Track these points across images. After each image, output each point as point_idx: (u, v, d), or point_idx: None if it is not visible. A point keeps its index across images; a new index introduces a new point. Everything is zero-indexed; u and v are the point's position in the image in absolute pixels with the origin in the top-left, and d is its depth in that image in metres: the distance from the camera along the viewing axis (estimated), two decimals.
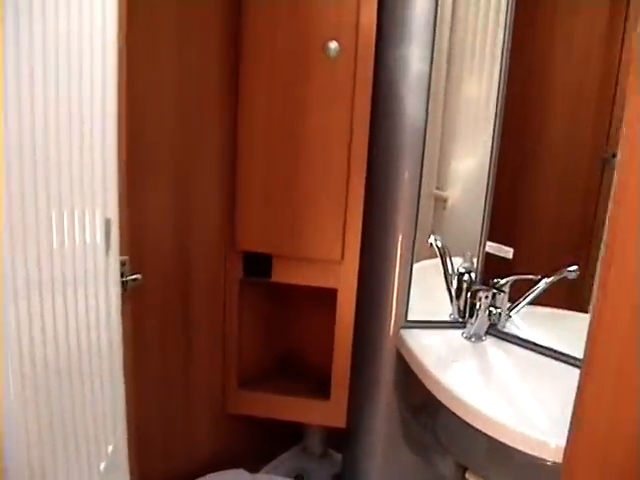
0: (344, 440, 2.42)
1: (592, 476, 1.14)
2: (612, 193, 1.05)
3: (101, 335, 1.45)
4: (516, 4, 1.98)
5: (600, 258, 1.06)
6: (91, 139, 1.33)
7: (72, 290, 1.28)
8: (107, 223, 1.42)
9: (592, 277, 1.97)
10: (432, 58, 1.93)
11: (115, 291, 1.52)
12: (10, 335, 1.05)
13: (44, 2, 1.07)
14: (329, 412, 2.28)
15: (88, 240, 1.34)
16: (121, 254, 1.56)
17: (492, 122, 2.05)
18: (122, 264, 1.58)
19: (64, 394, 1.28)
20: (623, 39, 1.92)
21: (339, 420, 2.28)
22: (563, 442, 1.25)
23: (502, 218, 2.11)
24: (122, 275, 1.59)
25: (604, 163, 1.99)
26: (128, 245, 1.62)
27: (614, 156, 1.95)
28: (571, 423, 1.20)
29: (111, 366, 1.52)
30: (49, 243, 1.17)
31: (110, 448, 1.54)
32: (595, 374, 1.12)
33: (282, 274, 2.16)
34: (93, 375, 1.42)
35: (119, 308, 1.55)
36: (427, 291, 2.17)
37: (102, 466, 1.47)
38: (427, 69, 1.94)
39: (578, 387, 1.16)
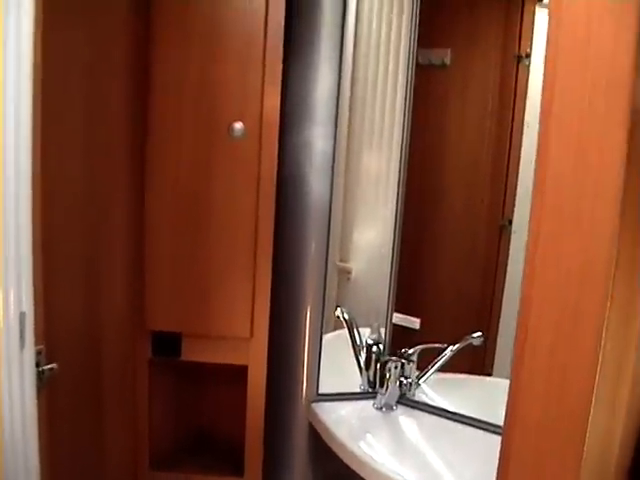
0: None
1: None
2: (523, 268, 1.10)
3: (15, 426, 1.43)
4: (413, 79, 2.06)
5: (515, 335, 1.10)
6: (5, 229, 1.32)
7: None
8: (21, 316, 1.40)
9: (495, 342, 2.04)
10: (335, 138, 1.99)
11: (30, 386, 1.49)
12: None
13: None
14: None
15: (2, 335, 1.32)
16: (36, 344, 1.52)
17: (394, 194, 2.11)
18: (38, 353, 1.54)
19: None
20: (513, 114, 2.02)
21: None
22: None
23: (407, 288, 2.16)
24: (38, 365, 1.55)
25: (501, 230, 2.07)
26: (43, 334, 1.58)
27: (510, 223, 2.04)
28: None
29: (25, 453, 1.49)
30: None
31: None
32: (515, 442, 1.15)
33: (192, 352, 2.14)
34: (7, 462, 1.39)
35: (34, 402, 1.51)
36: (337, 362, 2.19)
37: None
38: (330, 148, 1.99)
39: (500, 453, 1.19)
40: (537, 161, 1.04)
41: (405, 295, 2.15)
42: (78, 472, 2.06)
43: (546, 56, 1.03)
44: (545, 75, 1.03)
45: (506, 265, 2.04)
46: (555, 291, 1.02)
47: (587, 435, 1.01)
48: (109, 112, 1.99)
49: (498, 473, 1.19)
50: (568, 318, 1.01)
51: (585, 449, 1.02)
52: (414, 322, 2.09)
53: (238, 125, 1.95)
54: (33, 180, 1.44)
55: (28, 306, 1.44)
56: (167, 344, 2.13)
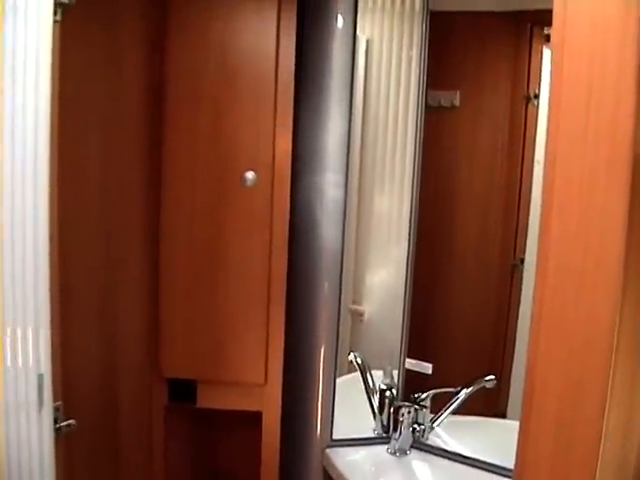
0: None
1: None
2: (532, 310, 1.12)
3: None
4: (423, 121, 2.08)
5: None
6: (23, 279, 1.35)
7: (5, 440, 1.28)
8: (40, 378, 1.43)
9: (508, 383, 2.04)
10: (346, 184, 2.01)
11: (48, 442, 1.52)
12: None
13: None
14: None
15: (20, 393, 1.35)
16: (54, 400, 1.55)
17: (405, 236, 2.12)
18: (56, 409, 1.57)
19: None
20: (523, 153, 2.03)
21: None
22: None
23: (419, 331, 2.16)
24: (56, 421, 1.58)
25: (513, 269, 2.08)
26: (61, 391, 1.60)
27: (522, 262, 2.05)
28: None
29: None
30: None
31: None
32: None
33: (207, 399, 2.15)
34: None
35: (53, 459, 1.54)
36: (350, 405, 2.19)
37: None
38: (342, 194, 2.01)
39: None
40: (540, 232, 1.06)
41: (417, 339, 2.15)
42: None
43: (549, 99, 1.05)
44: (549, 118, 1.06)
45: (518, 305, 2.04)
46: (559, 364, 1.03)
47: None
48: (122, 167, 2.03)
49: None
50: (572, 390, 1.02)
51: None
52: (426, 367, 2.09)
53: (250, 175, 1.97)
54: (50, 232, 1.47)
55: (46, 367, 1.46)
56: (183, 391, 2.15)
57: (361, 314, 2.27)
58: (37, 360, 1.42)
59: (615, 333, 0.94)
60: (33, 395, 1.43)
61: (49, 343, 1.47)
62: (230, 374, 2.10)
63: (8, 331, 1.34)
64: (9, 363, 1.36)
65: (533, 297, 1.08)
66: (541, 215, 1.06)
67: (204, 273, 2.07)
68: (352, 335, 2.26)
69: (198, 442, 2.43)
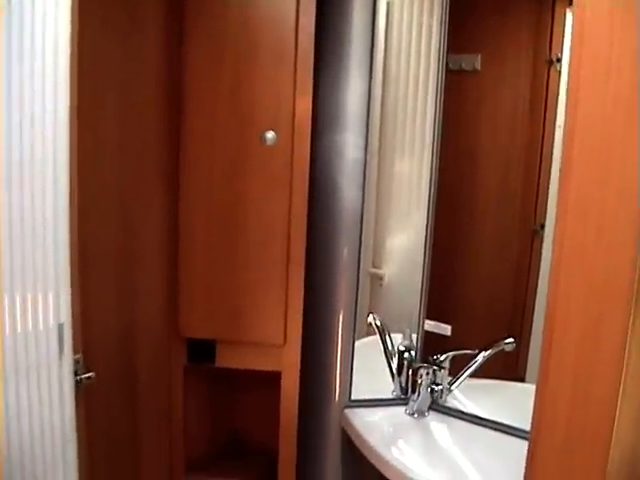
0: None
1: None
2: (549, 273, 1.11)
3: (55, 432, 1.46)
4: (444, 86, 2.06)
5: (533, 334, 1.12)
6: (44, 239, 1.35)
7: (26, 392, 1.28)
8: (60, 327, 1.43)
9: (527, 347, 2.03)
10: (366, 144, 2.00)
11: (69, 392, 1.53)
12: None
13: None
14: None
15: (42, 343, 1.35)
16: (75, 352, 1.56)
17: (425, 200, 2.11)
18: (76, 362, 1.58)
19: None
20: (545, 118, 2.02)
21: None
22: None
23: (438, 294, 2.16)
24: (76, 373, 1.59)
25: (533, 235, 2.07)
26: (81, 343, 1.62)
27: (542, 227, 2.04)
28: None
29: (65, 457, 1.53)
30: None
31: None
32: (542, 445, 1.16)
33: (226, 359, 2.17)
34: (46, 467, 1.43)
35: (73, 407, 1.55)
36: (368, 368, 2.20)
37: None
38: (362, 155, 2.01)
39: (527, 461, 1.20)
40: (561, 173, 1.06)
41: (437, 301, 2.15)
42: (115, 477, 2.09)
43: (569, 67, 1.04)
44: (569, 83, 1.05)
45: (538, 270, 2.03)
46: (579, 302, 1.03)
47: (612, 441, 1.02)
48: (140, 129, 2.02)
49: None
50: (592, 329, 1.02)
51: (610, 454, 1.03)
52: (445, 329, 2.09)
53: (270, 134, 1.97)
54: (70, 193, 1.48)
55: (66, 317, 1.47)
56: (202, 351, 2.16)
57: (381, 278, 2.27)
58: (57, 309, 1.43)
59: (637, 268, 0.93)
60: (54, 346, 1.44)
61: (69, 294, 1.48)
62: (249, 334, 2.11)
63: (29, 295, 1.34)
64: (30, 323, 1.37)
65: (553, 236, 1.08)
66: (562, 149, 1.06)
67: (224, 233, 2.07)
68: (371, 298, 2.26)
69: (216, 403, 2.45)
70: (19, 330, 1.31)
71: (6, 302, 1.26)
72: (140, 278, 2.09)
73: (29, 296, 1.34)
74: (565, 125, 1.07)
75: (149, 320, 2.14)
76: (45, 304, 1.39)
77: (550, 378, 1.12)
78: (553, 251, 1.09)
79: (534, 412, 1.17)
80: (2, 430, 1.25)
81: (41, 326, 1.38)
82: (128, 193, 2.01)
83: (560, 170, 1.07)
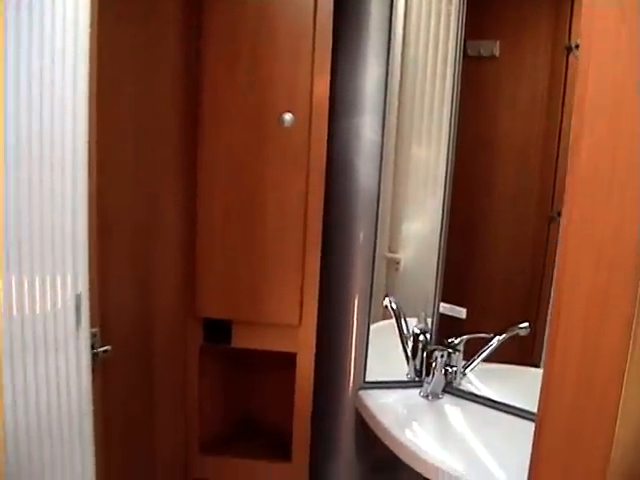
0: None
1: None
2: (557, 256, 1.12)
3: (72, 406, 1.48)
4: (462, 72, 2.07)
5: (548, 318, 1.12)
6: (62, 212, 1.37)
7: (44, 364, 1.30)
8: (77, 298, 1.45)
9: (542, 333, 2.03)
10: (384, 127, 2.01)
11: (86, 364, 1.54)
12: None
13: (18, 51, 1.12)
14: (291, 474, 2.28)
15: (59, 315, 1.37)
16: (92, 326, 1.58)
17: (442, 185, 2.12)
18: (93, 335, 1.60)
19: (33, 458, 1.30)
20: (563, 105, 2.01)
21: None
22: None
23: (454, 278, 2.16)
24: (93, 347, 1.61)
25: (550, 222, 2.06)
26: (98, 317, 1.64)
27: (559, 214, 2.03)
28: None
29: (81, 433, 1.54)
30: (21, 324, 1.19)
31: None
32: (548, 427, 1.17)
33: (242, 339, 2.18)
34: (63, 441, 1.44)
35: (90, 379, 1.57)
36: (383, 351, 2.21)
37: None
38: (379, 138, 2.01)
39: (533, 441, 1.21)
40: (571, 141, 1.06)
41: (453, 285, 2.16)
42: (130, 452, 2.11)
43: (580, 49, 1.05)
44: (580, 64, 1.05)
45: (554, 256, 2.03)
46: (587, 271, 1.04)
47: (618, 418, 1.02)
48: (160, 103, 2.04)
49: (532, 455, 1.21)
50: (600, 296, 1.03)
51: (616, 431, 1.03)
52: (460, 312, 2.09)
53: (288, 116, 1.98)
54: (89, 166, 1.49)
55: (84, 288, 1.49)
56: (218, 331, 2.18)
57: (397, 262, 2.27)
58: (75, 280, 1.44)
59: None
60: (71, 318, 1.45)
61: (87, 266, 1.50)
62: (265, 315, 2.13)
63: (47, 266, 1.35)
64: (48, 293, 1.38)
65: (564, 204, 1.09)
66: (572, 122, 1.06)
67: (241, 214, 2.09)
68: (388, 283, 2.26)
69: (231, 383, 2.46)
70: (37, 302, 1.33)
71: (25, 271, 1.27)
72: (158, 257, 2.11)
73: (48, 267, 1.35)
74: (575, 96, 1.07)
75: (166, 298, 2.16)
76: (63, 275, 1.40)
77: (558, 348, 1.12)
78: (562, 216, 1.10)
79: (542, 387, 1.18)
80: (20, 404, 1.27)
81: (59, 297, 1.39)
82: (146, 173, 2.03)
83: (570, 138, 1.08)
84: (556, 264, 1.13)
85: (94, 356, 1.62)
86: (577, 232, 1.07)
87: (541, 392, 1.18)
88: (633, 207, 0.96)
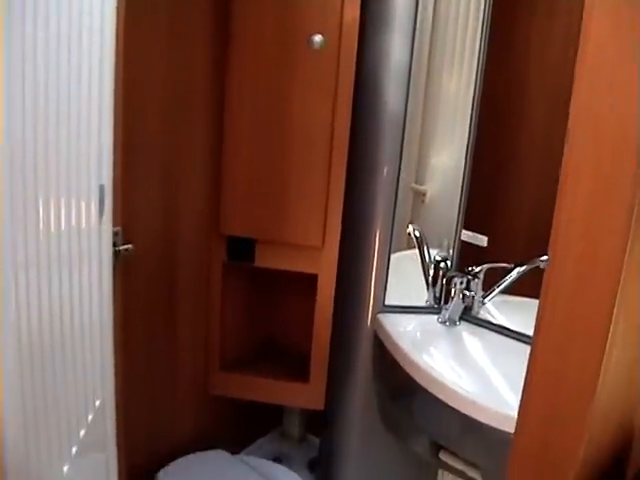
0: (322, 423, 2.47)
1: (540, 429, 1.21)
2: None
3: (93, 305, 1.50)
4: (495, 5, 2.04)
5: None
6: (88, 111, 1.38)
7: (67, 262, 1.33)
8: (101, 189, 1.47)
9: None
10: (412, 48, 1.99)
11: (107, 258, 1.57)
12: (9, 309, 1.10)
13: (48, 4, 1.13)
14: (308, 394, 2.33)
15: (83, 206, 1.38)
16: (114, 225, 1.61)
17: (469, 116, 2.11)
18: (115, 234, 1.64)
19: (57, 365, 1.32)
20: None
21: (318, 402, 2.34)
22: None
23: (479, 208, 2.16)
24: (115, 245, 1.64)
25: None
26: (121, 216, 1.67)
27: None
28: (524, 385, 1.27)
29: (102, 338, 1.57)
30: (46, 213, 1.21)
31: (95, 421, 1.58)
32: (542, 343, 1.20)
33: (265, 259, 2.22)
34: (84, 346, 1.47)
35: (111, 276, 1.60)
36: (404, 280, 2.23)
37: (84, 438, 1.50)
38: (407, 59, 1.99)
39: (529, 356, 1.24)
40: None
41: (477, 214, 2.15)
42: (151, 365, 2.17)
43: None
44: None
45: None
46: (591, 160, 1.07)
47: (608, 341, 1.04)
48: (191, 25, 2.05)
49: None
50: (602, 186, 1.05)
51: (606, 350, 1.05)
52: (482, 240, 2.10)
53: (317, 37, 1.97)
54: (116, 70, 1.51)
55: (107, 180, 1.51)
56: (242, 249, 2.21)
57: (423, 194, 2.28)
58: (99, 171, 1.46)
59: None
60: (94, 209, 1.46)
61: (111, 159, 1.52)
62: (288, 235, 2.16)
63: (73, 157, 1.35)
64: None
65: (571, 106, 1.10)
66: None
67: (268, 134, 2.10)
68: (413, 215, 2.27)
69: (253, 303, 2.50)
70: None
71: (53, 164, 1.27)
72: (184, 172, 2.14)
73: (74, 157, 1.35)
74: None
75: (190, 213, 2.19)
76: (88, 165, 1.40)
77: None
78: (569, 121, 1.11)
79: (537, 314, 1.23)
80: (46, 306, 1.27)
81: (84, 185, 1.40)
82: (176, 90, 2.05)
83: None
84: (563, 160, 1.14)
85: (115, 253, 1.65)
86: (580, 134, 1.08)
87: (538, 311, 1.22)
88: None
